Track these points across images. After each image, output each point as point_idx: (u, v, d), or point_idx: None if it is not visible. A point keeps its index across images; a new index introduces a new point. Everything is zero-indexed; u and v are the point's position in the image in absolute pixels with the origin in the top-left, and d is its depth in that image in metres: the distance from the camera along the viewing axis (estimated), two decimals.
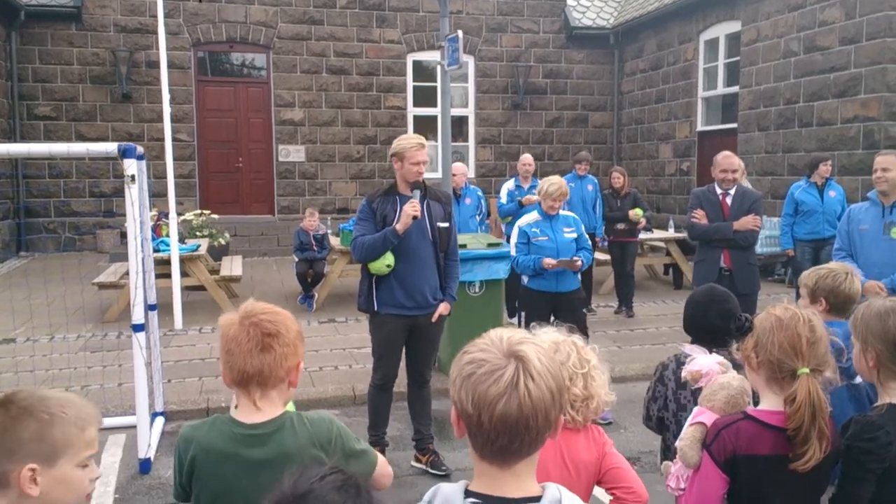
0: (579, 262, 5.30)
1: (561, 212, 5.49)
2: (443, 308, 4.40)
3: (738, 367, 2.17)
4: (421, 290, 4.30)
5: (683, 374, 2.27)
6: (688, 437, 2.07)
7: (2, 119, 12.66)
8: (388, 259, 4.22)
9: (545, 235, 5.38)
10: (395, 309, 4.31)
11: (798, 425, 1.85)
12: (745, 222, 5.21)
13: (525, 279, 5.52)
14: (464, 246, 5.93)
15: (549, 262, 5.23)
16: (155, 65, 8.21)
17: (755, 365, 1.98)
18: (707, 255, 5.40)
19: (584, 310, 5.66)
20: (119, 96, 13.50)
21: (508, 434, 1.22)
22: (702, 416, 2.10)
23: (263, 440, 1.80)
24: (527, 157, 8.55)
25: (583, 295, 5.59)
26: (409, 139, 4.30)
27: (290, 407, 1.93)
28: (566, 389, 1.80)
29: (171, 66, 12.82)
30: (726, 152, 5.48)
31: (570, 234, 5.40)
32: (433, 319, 4.36)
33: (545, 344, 1.35)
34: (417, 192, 4.23)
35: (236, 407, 1.87)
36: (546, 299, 5.37)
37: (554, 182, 5.40)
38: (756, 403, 2.08)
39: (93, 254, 12.82)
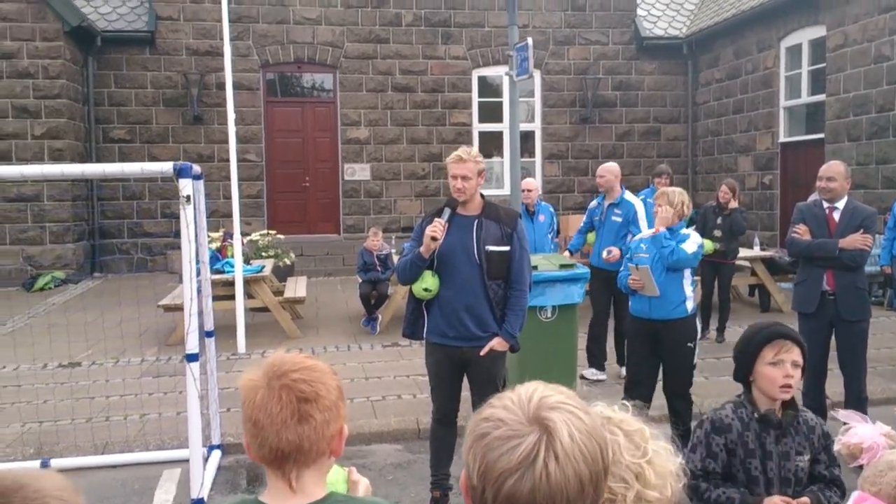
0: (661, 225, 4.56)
1: (683, 231, 4.73)
2: (496, 343, 3.94)
3: None
4: (461, 318, 3.91)
5: (837, 447, 1.82)
6: None
7: (79, 143, 13.00)
8: (427, 282, 3.92)
9: (648, 254, 4.72)
10: (439, 337, 4.00)
11: None
12: (853, 240, 4.63)
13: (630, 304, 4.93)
14: (535, 267, 5.55)
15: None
16: (225, 86, 8.20)
17: None
18: (808, 276, 4.82)
19: (690, 343, 4.61)
20: (191, 118, 13.71)
21: None
22: (864, 503, 1.67)
23: None
24: (605, 167, 6.56)
25: (692, 328, 4.66)
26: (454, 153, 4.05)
27: (340, 483, 1.56)
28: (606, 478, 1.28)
29: (240, 87, 13.01)
30: (833, 161, 4.91)
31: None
32: (482, 353, 3.93)
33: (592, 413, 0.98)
34: (447, 211, 3.95)
35: None
36: (644, 329, 4.63)
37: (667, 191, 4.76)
38: None
39: (164, 274, 12.96)
